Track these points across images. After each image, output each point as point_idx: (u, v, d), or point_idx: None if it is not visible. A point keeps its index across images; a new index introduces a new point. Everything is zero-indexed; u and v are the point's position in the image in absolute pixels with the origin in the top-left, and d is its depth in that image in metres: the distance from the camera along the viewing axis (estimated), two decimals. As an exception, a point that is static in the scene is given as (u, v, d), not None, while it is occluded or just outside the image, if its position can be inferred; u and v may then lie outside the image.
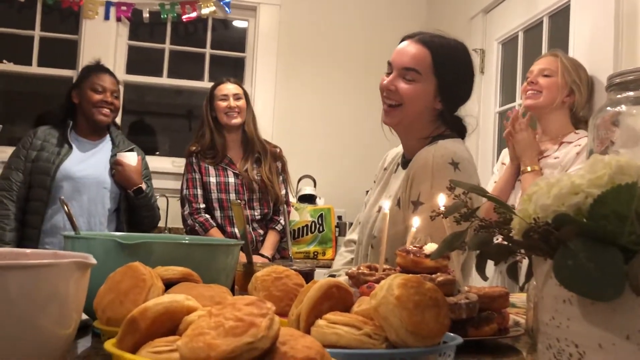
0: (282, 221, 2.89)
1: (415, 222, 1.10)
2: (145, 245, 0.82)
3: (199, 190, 2.82)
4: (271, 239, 2.88)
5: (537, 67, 2.25)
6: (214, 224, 2.80)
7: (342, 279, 1.06)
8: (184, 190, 2.86)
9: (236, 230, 2.78)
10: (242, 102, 2.87)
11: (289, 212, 3.14)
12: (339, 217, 3.63)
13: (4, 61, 3.67)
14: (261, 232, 2.89)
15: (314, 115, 3.98)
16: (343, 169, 3.91)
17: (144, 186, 2.55)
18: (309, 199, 3.51)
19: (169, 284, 0.76)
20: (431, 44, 1.48)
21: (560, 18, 2.71)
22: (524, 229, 0.66)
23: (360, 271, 1.01)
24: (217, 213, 2.82)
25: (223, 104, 2.85)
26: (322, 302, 0.69)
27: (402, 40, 1.55)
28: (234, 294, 1.10)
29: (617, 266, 0.57)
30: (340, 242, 3.46)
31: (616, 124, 1.03)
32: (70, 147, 2.55)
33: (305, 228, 3.32)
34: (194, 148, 2.88)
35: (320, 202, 3.55)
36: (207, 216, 2.81)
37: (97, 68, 2.68)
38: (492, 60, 3.26)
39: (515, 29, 3.07)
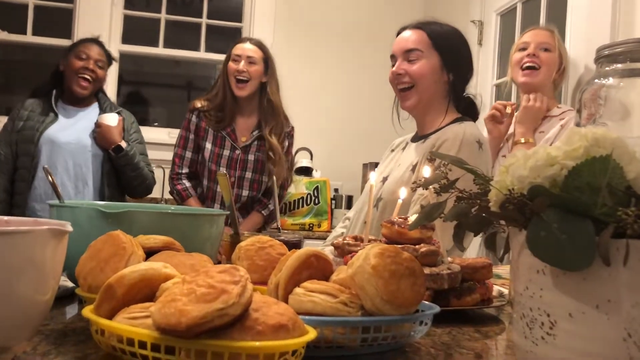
0: (270, 206, 2.68)
1: (402, 193, 1.11)
2: (128, 214, 0.83)
3: (187, 152, 2.63)
4: (252, 218, 2.67)
5: (534, 39, 2.20)
6: (192, 194, 2.62)
7: (328, 249, 1.07)
8: (175, 148, 2.67)
9: (216, 205, 2.63)
10: (254, 69, 2.59)
11: (281, 196, 2.87)
12: (336, 190, 3.64)
13: (-1, 30, 3.64)
14: (244, 212, 2.71)
15: (311, 87, 3.96)
16: (340, 142, 3.90)
17: (123, 144, 2.54)
18: (305, 171, 3.52)
19: (150, 253, 0.76)
20: (424, 25, 1.63)
21: (559, -11, 2.67)
22: (501, 200, 0.66)
23: (345, 242, 1.02)
24: (205, 182, 2.65)
25: (233, 65, 2.58)
26: (300, 271, 0.70)
27: (398, 34, 1.69)
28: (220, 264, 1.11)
29: (588, 237, 0.58)
30: (336, 215, 3.47)
31: (605, 96, 1.03)
32: (56, 115, 2.56)
33: (300, 200, 3.33)
34: (199, 104, 2.64)
35: (316, 175, 3.56)
36: (187, 184, 2.63)
37: (88, 39, 2.67)
38: (491, 32, 3.23)
39: (514, 0, 3.04)
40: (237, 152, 2.64)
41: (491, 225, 0.74)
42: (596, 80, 1.04)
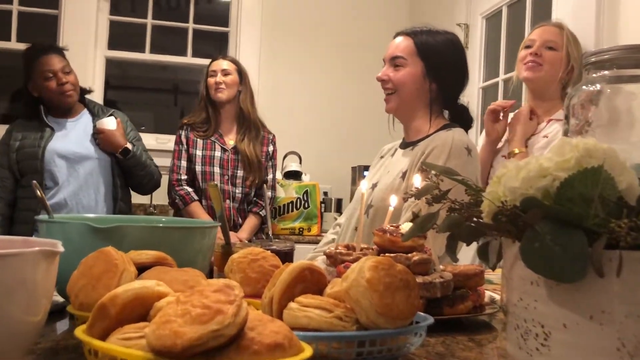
0: (265, 207, 2.87)
1: (393, 201, 1.11)
2: (119, 229, 0.82)
3: (182, 161, 2.83)
4: (250, 222, 2.86)
5: (540, 37, 2.11)
6: (195, 198, 2.79)
7: (320, 258, 1.07)
8: (171, 160, 2.88)
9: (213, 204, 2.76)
10: (230, 78, 2.84)
11: (272, 198, 3.09)
12: (325, 193, 3.64)
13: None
14: (240, 210, 2.87)
15: (299, 91, 3.96)
16: (329, 145, 3.90)
17: (129, 146, 2.55)
18: (294, 175, 3.51)
19: (142, 268, 0.76)
20: (413, 33, 1.66)
21: (544, -7, 2.70)
22: (493, 211, 0.66)
23: (337, 251, 1.02)
24: (200, 185, 2.82)
25: (211, 80, 2.85)
26: (294, 285, 0.70)
27: (394, 38, 1.72)
28: (212, 275, 1.10)
29: (581, 249, 0.58)
30: (325, 218, 3.47)
31: (593, 103, 1.04)
32: (52, 129, 2.54)
33: (290, 204, 3.32)
34: (185, 121, 2.90)
35: (305, 179, 3.55)
36: (189, 189, 2.80)
37: (36, 52, 2.57)
38: (476, 35, 3.25)
39: (499, 3, 3.06)
40: (227, 152, 2.84)
41: (483, 236, 0.74)
42: (584, 87, 1.05)
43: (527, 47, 2.14)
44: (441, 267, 1.01)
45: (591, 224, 0.59)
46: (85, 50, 3.59)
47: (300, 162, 3.65)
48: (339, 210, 3.66)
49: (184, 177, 2.82)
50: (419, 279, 0.93)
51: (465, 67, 1.68)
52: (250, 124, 2.87)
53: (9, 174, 2.48)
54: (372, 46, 3.92)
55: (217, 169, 2.82)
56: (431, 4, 3.80)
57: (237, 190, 2.83)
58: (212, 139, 2.85)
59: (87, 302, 0.68)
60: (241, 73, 2.90)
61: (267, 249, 1.17)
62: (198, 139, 2.84)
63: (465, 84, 1.68)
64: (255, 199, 2.91)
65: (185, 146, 2.84)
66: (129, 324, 0.59)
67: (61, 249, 0.57)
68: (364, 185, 1.07)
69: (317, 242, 3.31)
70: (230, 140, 2.88)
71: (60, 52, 2.61)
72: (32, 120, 2.56)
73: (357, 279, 0.66)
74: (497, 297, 1.17)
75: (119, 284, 0.68)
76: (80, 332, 0.58)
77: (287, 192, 3.34)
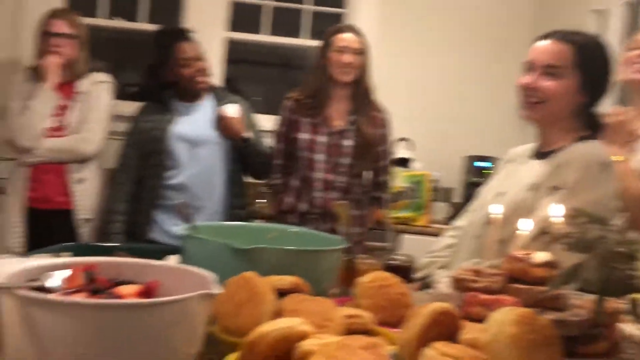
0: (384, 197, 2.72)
1: (528, 225, 1.07)
2: (257, 251, 0.85)
3: (281, 144, 2.65)
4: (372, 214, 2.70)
5: None
6: (281, 191, 2.64)
7: (444, 281, 1.05)
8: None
9: (317, 193, 2.60)
10: (360, 59, 2.56)
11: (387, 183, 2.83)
12: (435, 182, 3.56)
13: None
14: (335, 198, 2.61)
15: (415, 73, 3.80)
16: (442, 132, 3.75)
17: (248, 134, 2.57)
18: (402, 162, 3.45)
19: (280, 292, 0.79)
20: (571, 40, 1.51)
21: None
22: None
23: (465, 276, 1.00)
24: (302, 171, 2.61)
25: (339, 56, 2.55)
26: (430, 329, 0.70)
27: (538, 39, 1.56)
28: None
29: None
30: (435, 208, 3.40)
31: None
32: (176, 112, 2.64)
33: (399, 193, 3.28)
34: (289, 96, 2.68)
35: (416, 166, 3.49)
36: (278, 181, 2.66)
37: (170, 38, 2.63)
38: (614, 24, 2.99)
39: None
40: (334, 137, 2.61)
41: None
42: None
43: (631, 49, 1.97)
44: (577, 301, 0.96)
45: None
46: (209, 31, 3.71)
47: (410, 148, 3.57)
48: (448, 200, 3.58)
49: (278, 161, 2.65)
50: (553, 316, 0.90)
51: (612, 76, 1.55)
52: (366, 105, 2.62)
53: (135, 153, 2.62)
54: (499, 32, 3.71)
55: (321, 156, 2.58)
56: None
57: (339, 179, 2.59)
58: (319, 119, 2.60)
59: (230, 327, 0.72)
60: (367, 49, 2.62)
61: (387, 264, 1.18)
62: (303, 119, 2.61)
63: (609, 88, 1.55)
64: (372, 193, 2.71)
65: (285, 127, 2.63)
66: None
67: (218, 291, 0.60)
68: (498, 208, 1.04)
69: (424, 234, 3.27)
70: (338, 122, 2.61)
71: (191, 38, 2.67)
72: (156, 101, 2.68)
73: (499, 334, 0.64)
74: (633, 330, 1.10)
75: (260, 312, 0.72)
76: (232, 363, 0.62)
77: (396, 180, 3.30)
